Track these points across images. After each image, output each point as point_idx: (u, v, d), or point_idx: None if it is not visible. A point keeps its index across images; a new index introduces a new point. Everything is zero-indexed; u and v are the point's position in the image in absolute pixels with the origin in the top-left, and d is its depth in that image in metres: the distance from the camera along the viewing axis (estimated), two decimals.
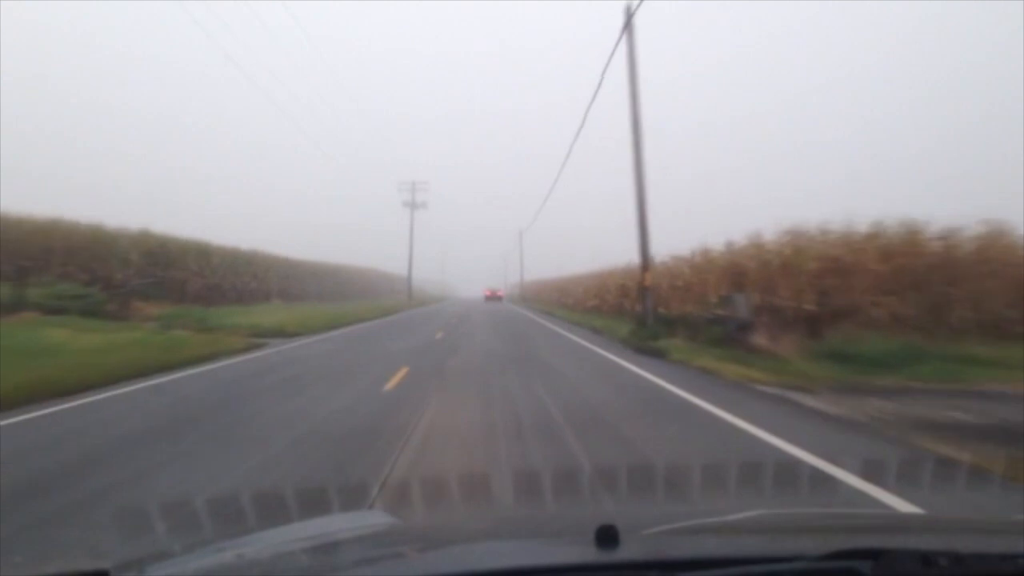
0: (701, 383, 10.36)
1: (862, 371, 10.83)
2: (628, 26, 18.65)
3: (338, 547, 1.86)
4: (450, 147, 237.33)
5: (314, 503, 4.28)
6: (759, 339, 13.59)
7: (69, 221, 28.46)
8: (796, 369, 11.36)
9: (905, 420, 7.26)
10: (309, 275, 52.97)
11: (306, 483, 4.85)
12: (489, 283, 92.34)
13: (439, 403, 8.50)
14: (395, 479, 4.98)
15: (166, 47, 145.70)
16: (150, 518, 3.75)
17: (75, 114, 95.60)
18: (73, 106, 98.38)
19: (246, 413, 7.96)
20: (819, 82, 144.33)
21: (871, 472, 4.95)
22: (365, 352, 15.93)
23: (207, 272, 35.17)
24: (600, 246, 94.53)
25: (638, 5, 18.33)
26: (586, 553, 1.44)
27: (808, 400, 8.69)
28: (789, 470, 5.23)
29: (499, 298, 78.85)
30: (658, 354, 14.17)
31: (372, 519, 2.67)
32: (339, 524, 2.35)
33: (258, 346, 17.80)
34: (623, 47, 18.91)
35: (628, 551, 1.44)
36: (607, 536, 1.43)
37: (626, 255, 40.81)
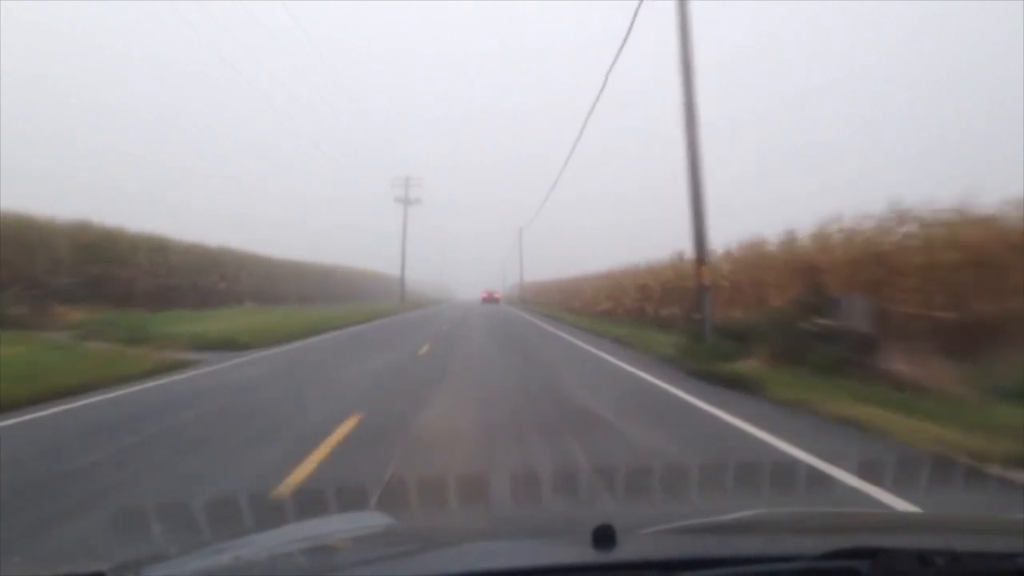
0: (873, 456, 5.76)
1: None
2: None
3: (336, 548, 1.87)
4: (449, 148, 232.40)
5: None
6: (895, 363, 9.02)
7: None
8: (995, 420, 6.80)
9: None
10: (290, 276, 48.28)
11: None
12: (487, 285, 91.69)
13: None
14: None
15: (146, 36, 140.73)
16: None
17: (63, 112, 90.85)
18: (61, 104, 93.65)
19: None
20: (819, 81, 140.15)
21: None
22: (312, 380, 11.36)
23: (162, 271, 30.53)
24: (603, 248, 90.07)
25: None
26: (583, 553, 1.41)
27: None
28: None
29: (496, 300, 78.97)
30: (739, 384, 9.59)
31: (369, 520, 2.56)
32: (336, 525, 2.35)
33: (179, 367, 13.21)
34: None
35: (625, 551, 1.43)
36: (604, 536, 1.41)
37: (637, 255, 36.43)
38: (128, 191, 73.98)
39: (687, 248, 25.38)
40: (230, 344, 17.96)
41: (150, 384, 10.90)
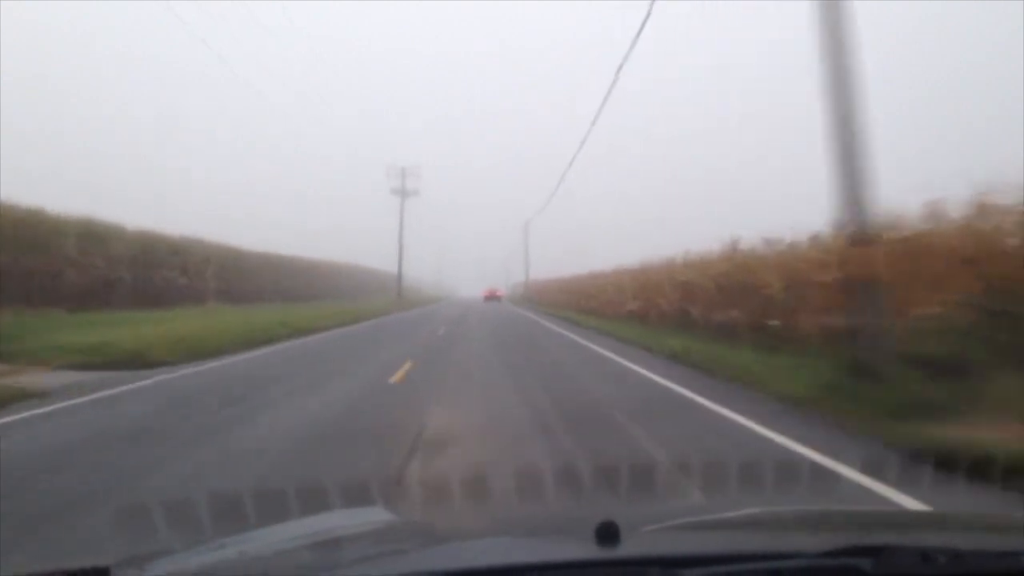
0: None
1: None
2: None
3: (339, 544, 1.84)
4: (451, 142, 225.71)
5: None
6: None
7: None
8: None
9: None
10: (269, 271, 42.97)
11: None
12: (489, 283, 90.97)
13: None
14: None
15: (125, 22, 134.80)
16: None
17: (52, 108, 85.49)
18: (49, 100, 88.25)
19: None
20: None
21: None
22: (172, 455, 6.08)
23: (100, 262, 25.26)
24: (615, 246, 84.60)
25: None
26: (587, 550, 1.41)
27: None
28: None
29: (498, 298, 78.53)
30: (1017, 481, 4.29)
31: (373, 516, 2.53)
32: (340, 521, 2.33)
33: None
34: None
35: (629, 548, 1.42)
36: (608, 533, 1.41)
37: (656, 251, 31.17)
38: (121, 189, 68.74)
39: (744, 235, 20.18)
40: (135, 360, 12.88)
41: None
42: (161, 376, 11.27)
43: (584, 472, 4.99)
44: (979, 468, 4.65)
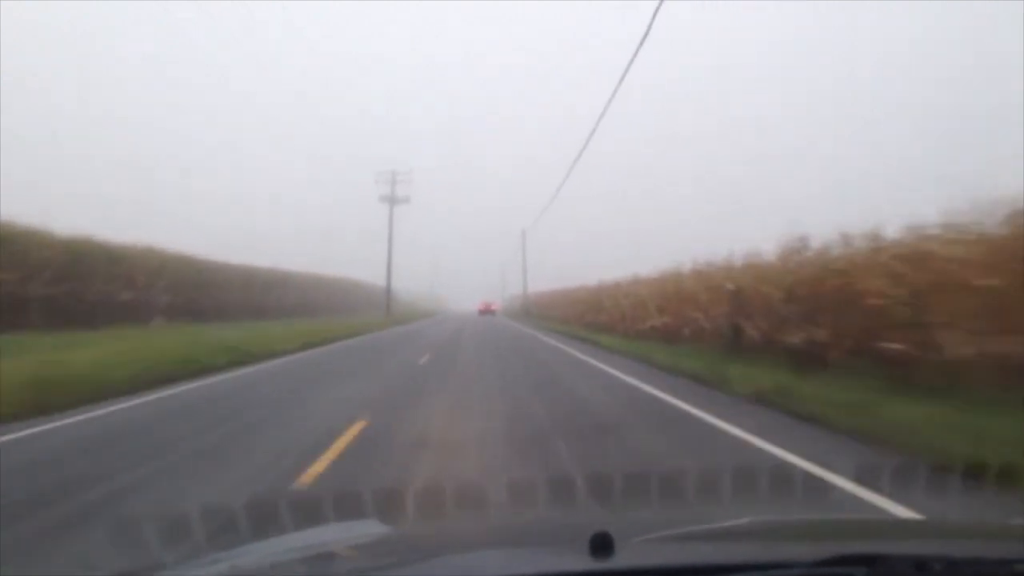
0: None
1: None
2: None
3: (333, 557, 1.83)
4: (447, 149, 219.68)
5: None
6: None
7: None
8: None
9: None
10: (236, 284, 38.25)
11: None
12: (484, 297, 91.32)
13: None
14: None
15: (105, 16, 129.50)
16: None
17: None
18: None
19: None
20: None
21: None
22: None
23: (9, 275, 20.65)
24: (619, 257, 79.97)
25: None
26: (580, 561, 1.41)
27: None
28: None
29: (492, 312, 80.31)
30: None
31: (367, 529, 2.46)
32: (334, 534, 2.34)
33: None
34: None
35: (622, 559, 1.42)
36: (601, 544, 1.40)
37: (661, 261, 26.76)
38: (88, 198, 63.98)
39: (815, 233, 15.65)
40: None
41: None
42: None
43: None
44: None
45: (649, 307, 24.30)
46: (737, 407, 8.75)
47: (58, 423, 8.37)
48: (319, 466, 5.76)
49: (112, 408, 9.51)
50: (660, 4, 14.25)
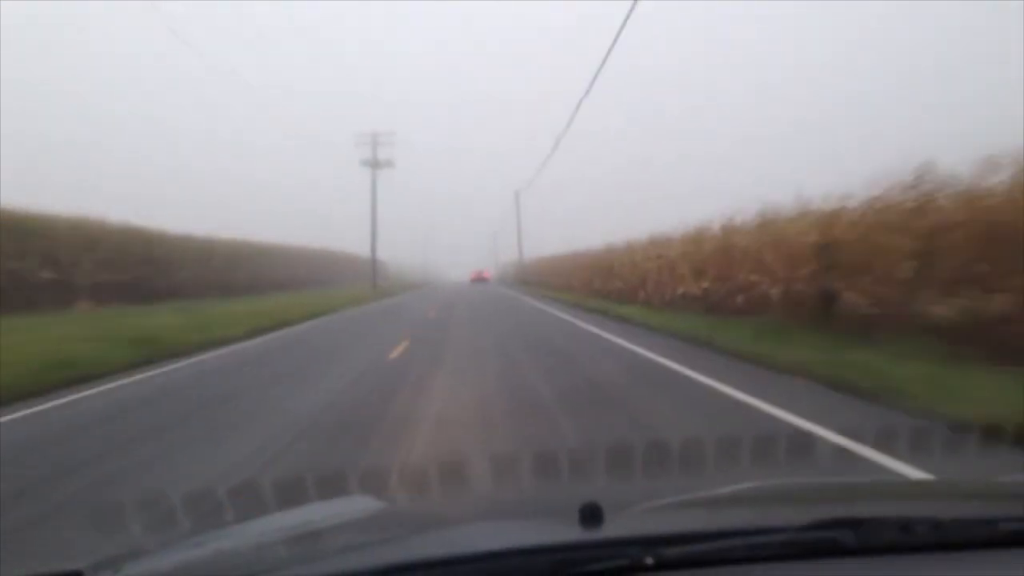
0: None
1: None
2: None
3: (321, 535, 1.77)
4: (434, 112, 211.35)
5: None
6: None
7: None
8: None
9: None
10: (194, 259, 33.42)
11: None
12: (476, 265, 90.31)
13: None
14: None
15: None
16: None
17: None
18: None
19: None
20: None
21: None
22: None
23: None
24: (616, 223, 75.18)
25: None
26: (570, 532, 1.40)
27: None
28: None
29: (485, 279, 79.64)
30: None
31: (356, 505, 2.41)
32: (322, 512, 2.18)
33: None
34: None
35: (612, 528, 1.41)
36: (591, 514, 1.40)
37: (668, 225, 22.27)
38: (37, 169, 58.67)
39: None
40: None
41: None
42: None
43: None
44: None
45: (680, 270, 19.79)
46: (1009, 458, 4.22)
47: None
48: None
49: None
50: None
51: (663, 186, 74.75)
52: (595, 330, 15.52)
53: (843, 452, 4.91)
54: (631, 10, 16.06)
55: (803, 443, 5.13)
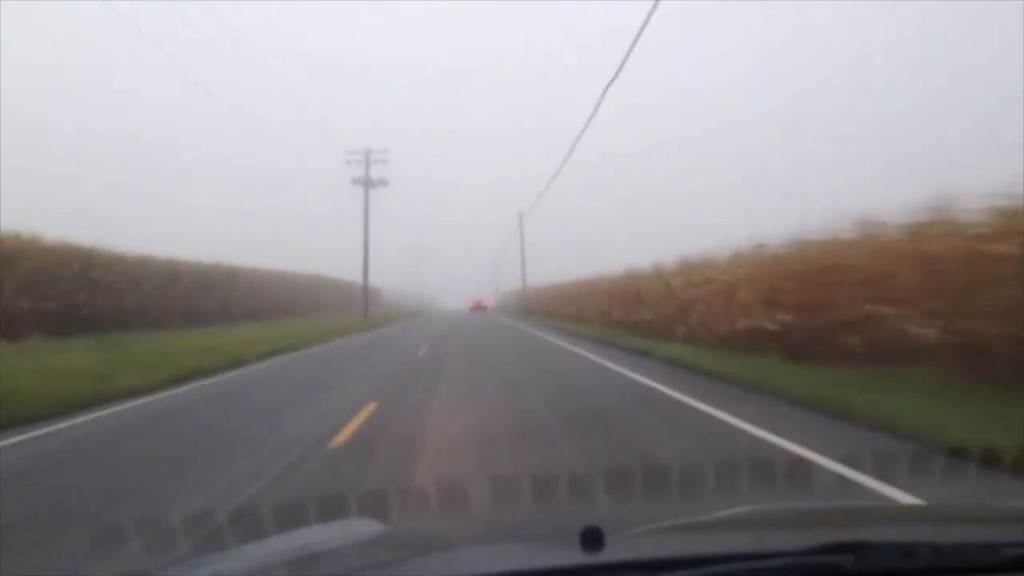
0: None
1: None
2: None
3: (321, 558, 1.73)
4: (433, 133, 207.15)
5: None
6: None
7: None
8: None
9: None
10: (150, 283, 28.91)
11: None
12: (476, 293, 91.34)
13: None
14: None
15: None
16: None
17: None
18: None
19: None
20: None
21: None
22: None
23: None
24: (621, 251, 70.92)
25: None
26: (571, 555, 1.38)
27: None
28: None
29: (484, 308, 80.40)
30: None
31: (357, 527, 2.37)
32: (322, 535, 2.18)
33: None
34: None
35: (613, 552, 1.39)
36: (592, 538, 1.38)
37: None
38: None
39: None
40: None
41: None
42: None
43: None
44: None
45: (742, 297, 15.39)
46: None
47: None
48: None
49: None
50: None
51: (672, 213, 70.78)
52: (648, 382, 11.06)
53: None
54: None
55: None
